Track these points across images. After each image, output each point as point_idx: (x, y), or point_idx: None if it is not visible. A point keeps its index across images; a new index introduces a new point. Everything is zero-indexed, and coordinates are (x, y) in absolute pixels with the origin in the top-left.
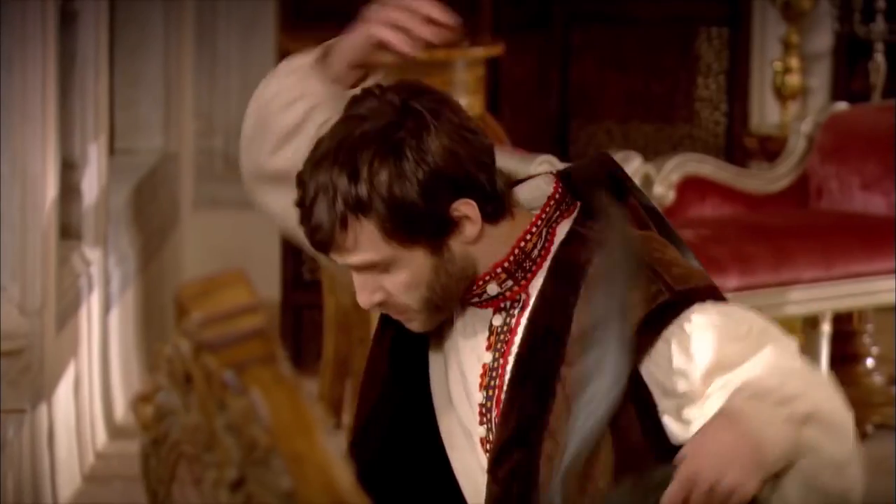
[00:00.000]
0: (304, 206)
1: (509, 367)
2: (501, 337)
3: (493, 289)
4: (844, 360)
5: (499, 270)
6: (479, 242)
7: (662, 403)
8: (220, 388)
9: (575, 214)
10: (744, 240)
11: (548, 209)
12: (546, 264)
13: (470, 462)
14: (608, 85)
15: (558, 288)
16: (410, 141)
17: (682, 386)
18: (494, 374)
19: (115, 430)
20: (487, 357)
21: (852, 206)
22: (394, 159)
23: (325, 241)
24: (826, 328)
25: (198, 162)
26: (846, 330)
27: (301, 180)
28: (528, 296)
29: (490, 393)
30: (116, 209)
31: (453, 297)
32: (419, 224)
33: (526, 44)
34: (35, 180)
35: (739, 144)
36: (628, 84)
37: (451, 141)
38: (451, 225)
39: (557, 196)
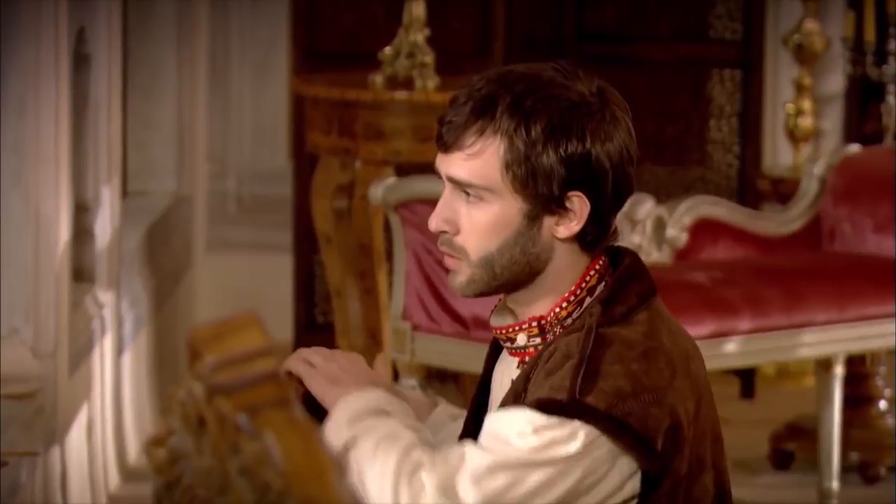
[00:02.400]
0: (459, 99)
1: None
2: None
3: (521, 339)
4: (857, 403)
5: (533, 324)
6: (561, 254)
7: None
8: (234, 432)
9: (599, 312)
10: (756, 282)
11: (584, 282)
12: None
13: None
14: None
15: (531, 366)
16: (595, 121)
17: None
18: None
19: (127, 473)
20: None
21: (865, 248)
22: (575, 121)
23: (450, 136)
24: (839, 370)
25: (211, 204)
26: (859, 372)
27: (475, 80)
28: None
29: None
30: (129, 252)
31: (509, 280)
32: (539, 181)
33: None
34: (48, 223)
35: (752, 187)
36: (641, 126)
37: (622, 147)
38: (558, 207)
39: (597, 275)
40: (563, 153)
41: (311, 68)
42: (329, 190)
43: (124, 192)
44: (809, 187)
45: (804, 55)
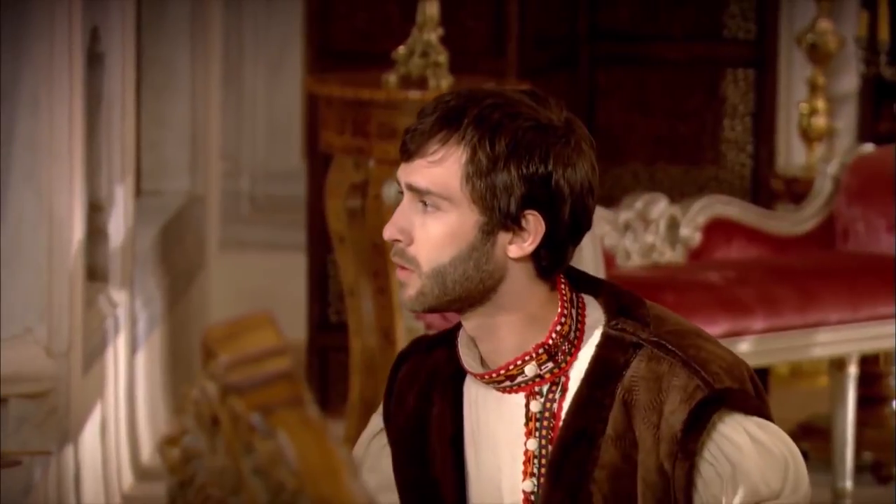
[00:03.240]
0: (426, 110)
1: None
2: (545, 423)
3: (531, 370)
4: (871, 402)
5: (540, 351)
6: (515, 276)
7: None
8: (247, 431)
9: (604, 317)
10: (770, 282)
11: (565, 297)
12: (583, 349)
13: None
14: (634, 127)
15: (594, 390)
16: (559, 146)
17: None
18: (542, 461)
19: (141, 473)
20: (532, 444)
21: (879, 247)
22: (539, 142)
23: (413, 144)
24: (852, 370)
25: (224, 203)
26: (872, 372)
27: (445, 94)
28: (568, 379)
29: (541, 481)
30: (143, 251)
31: (460, 296)
32: (497, 195)
33: (551, 86)
34: (61, 222)
35: (766, 186)
36: (654, 126)
37: (585, 178)
38: (513, 223)
39: (567, 289)
40: (524, 170)
41: (324, 67)
42: (343, 189)
43: (138, 191)
44: (823, 187)
45: (818, 55)
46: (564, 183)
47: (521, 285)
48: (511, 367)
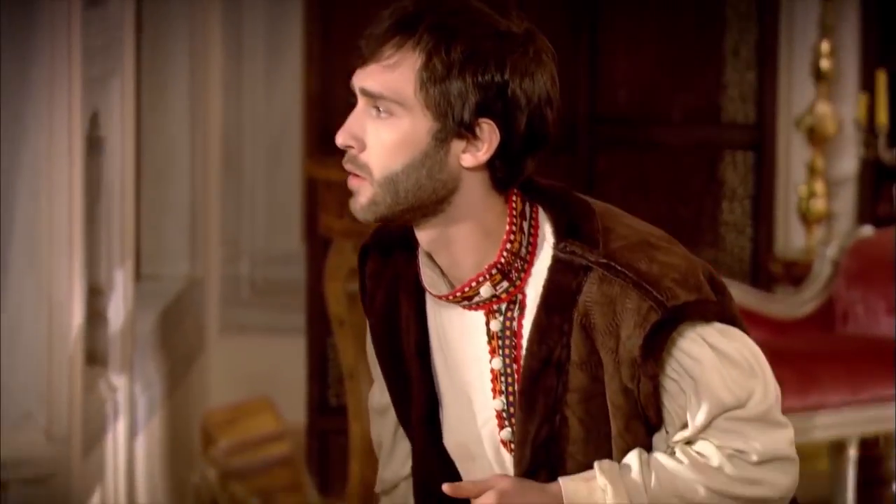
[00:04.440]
0: (383, 15)
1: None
2: (507, 342)
3: (486, 290)
4: (871, 485)
5: (493, 272)
6: (469, 186)
7: (668, 419)
8: None
9: (553, 240)
10: (770, 364)
11: (514, 211)
12: (536, 264)
13: (482, 463)
14: (634, 209)
15: (551, 316)
16: (517, 55)
17: (687, 419)
18: (510, 379)
19: None
20: (497, 363)
21: (879, 330)
22: (496, 50)
23: (372, 48)
24: (853, 453)
25: (224, 288)
26: (873, 454)
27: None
28: (525, 296)
29: (510, 399)
30: (143, 335)
31: (413, 205)
32: (451, 102)
33: (552, 168)
34: (61, 306)
35: (765, 269)
36: (654, 208)
37: (543, 89)
38: (467, 131)
39: (520, 200)
40: (479, 78)
41: (324, 151)
42: (342, 273)
43: (137, 275)
44: (822, 270)
45: (817, 138)
46: (521, 93)
47: (476, 197)
48: (467, 288)
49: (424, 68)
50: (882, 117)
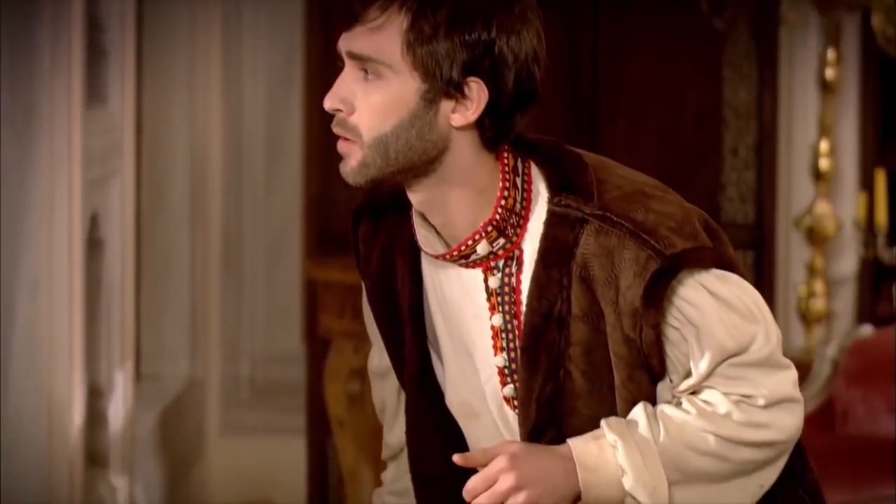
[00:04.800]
0: None
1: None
2: (506, 298)
3: (483, 248)
4: None
5: (489, 228)
6: (459, 146)
7: (671, 367)
8: None
9: (547, 194)
10: None
11: (507, 167)
12: (531, 219)
13: (486, 421)
14: None
15: (550, 270)
16: (503, 14)
17: (691, 367)
18: (510, 335)
19: None
20: (497, 320)
21: (879, 430)
22: (482, 8)
23: (357, 10)
24: None
25: (224, 388)
26: None
27: None
28: (522, 251)
29: (512, 355)
30: (143, 436)
31: (404, 167)
32: (438, 62)
33: None
34: (61, 406)
35: None
36: None
37: (530, 46)
38: (455, 90)
39: (512, 157)
40: (466, 37)
41: (324, 251)
42: (342, 374)
43: (137, 376)
44: (822, 369)
45: (816, 237)
46: (508, 50)
47: (466, 156)
48: (463, 247)
49: (411, 29)
50: (881, 217)
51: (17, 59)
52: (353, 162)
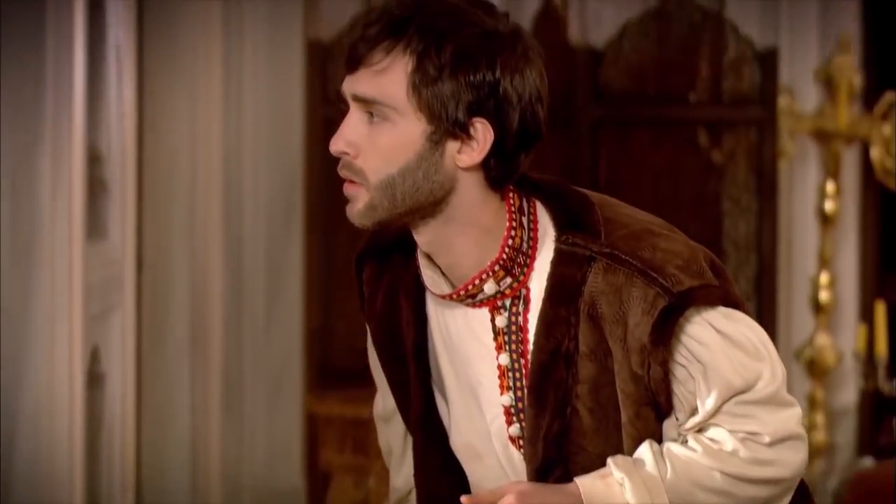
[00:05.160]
0: (371, 18)
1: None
2: (513, 337)
3: (490, 287)
4: None
5: (496, 268)
6: (465, 186)
7: (678, 405)
8: None
9: (554, 233)
10: None
11: (513, 207)
12: (538, 258)
13: (490, 462)
14: None
15: (557, 308)
16: (506, 53)
17: (697, 404)
18: (517, 374)
19: None
20: (504, 359)
21: None
22: (485, 49)
23: (361, 53)
24: None
25: None
26: None
27: (395, 3)
28: (529, 290)
29: (518, 394)
30: None
31: (411, 208)
32: (444, 103)
33: None
34: None
35: None
36: None
37: (533, 86)
38: (461, 131)
39: (517, 197)
40: (470, 78)
41: (324, 386)
42: None
43: None
44: (823, 503)
45: (816, 369)
46: (512, 90)
47: (472, 196)
48: (470, 286)
49: (416, 71)
50: (881, 348)
51: (19, 193)
52: (360, 205)
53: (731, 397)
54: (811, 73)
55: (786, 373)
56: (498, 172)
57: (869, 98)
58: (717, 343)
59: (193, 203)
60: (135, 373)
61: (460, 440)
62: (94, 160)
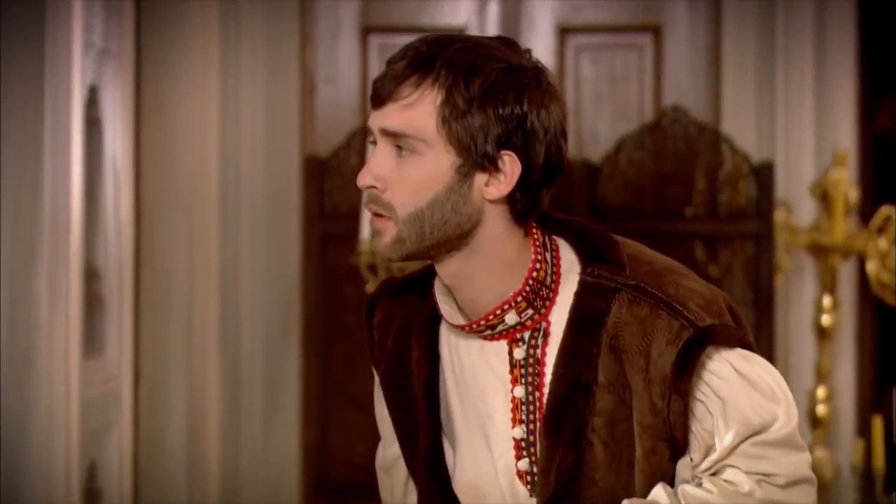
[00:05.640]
0: (395, 57)
1: (546, 400)
2: (530, 370)
3: (511, 318)
4: None
5: (519, 299)
6: (491, 219)
7: (693, 443)
8: None
9: (579, 263)
10: None
11: (537, 241)
12: (560, 293)
13: (492, 488)
14: None
15: (579, 339)
16: (532, 87)
17: (714, 442)
18: (531, 407)
19: None
20: (519, 392)
21: None
22: (512, 83)
23: (385, 90)
24: None
25: None
26: None
27: (413, 42)
28: (549, 324)
29: (531, 427)
30: None
31: (439, 241)
32: (473, 135)
33: None
34: None
35: None
36: None
37: (557, 121)
38: (489, 164)
39: (541, 233)
40: (500, 111)
41: (321, 501)
42: None
43: None
44: None
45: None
46: (539, 124)
47: (498, 230)
48: (491, 316)
49: (445, 104)
50: (879, 463)
51: (16, 309)
52: (388, 238)
53: (748, 436)
54: (807, 187)
55: (798, 415)
56: (523, 206)
57: (865, 212)
58: (736, 381)
59: (190, 319)
60: (132, 490)
61: (464, 479)
62: (92, 276)
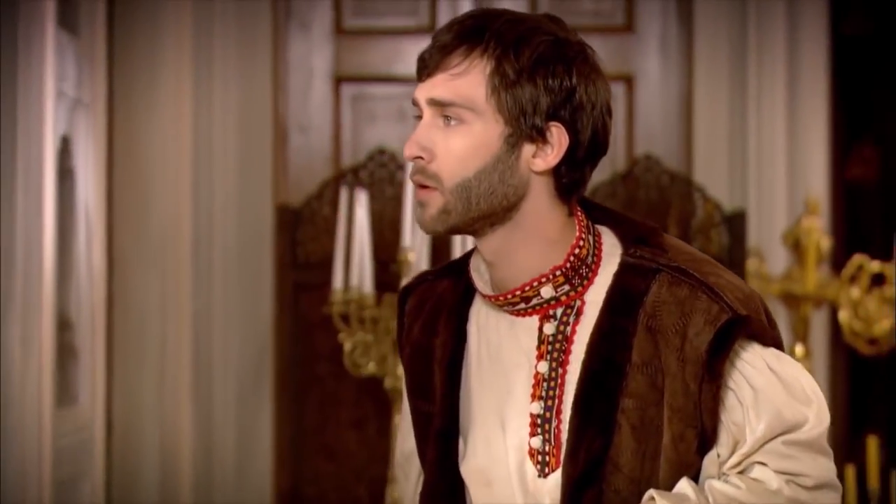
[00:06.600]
0: (443, 30)
1: (569, 378)
2: (557, 346)
3: (547, 291)
4: None
5: (557, 273)
6: (536, 193)
7: (722, 437)
8: None
9: (621, 246)
10: None
11: (582, 222)
12: (599, 273)
13: (498, 489)
14: None
15: (616, 317)
16: (580, 61)
17: (745, 435)
18: (553, 384)
19: None
20: (543, 367)
21: None
22: (561, 56)
23: (433, 60)
24: None
25: None
26: None
27: (465, 15)
28: (584, 303)
29: (549, 403)
30: None
31: (485, 213)
32: (523, 106)
33: None
34: None
35: None
36: None
37: (604, 96)
38: (537, 135)
39: (583, 214)
40: (549, 82)
41: None
42: None
43: None
44: None
45: None
46: (587, 98)
47: (542, 204)
48: (527, 288)
49: (495, 73)
50: (873, 482)
51: None
52: (433, 210)
53: (779, 433)
54: (779, 236)
55: (829, 419)
56: (568, 180)
57: (837, 261)
58: (769, 376)
59: (163, 368)
60: None
61: (474, 463)
62: (64, 325)
